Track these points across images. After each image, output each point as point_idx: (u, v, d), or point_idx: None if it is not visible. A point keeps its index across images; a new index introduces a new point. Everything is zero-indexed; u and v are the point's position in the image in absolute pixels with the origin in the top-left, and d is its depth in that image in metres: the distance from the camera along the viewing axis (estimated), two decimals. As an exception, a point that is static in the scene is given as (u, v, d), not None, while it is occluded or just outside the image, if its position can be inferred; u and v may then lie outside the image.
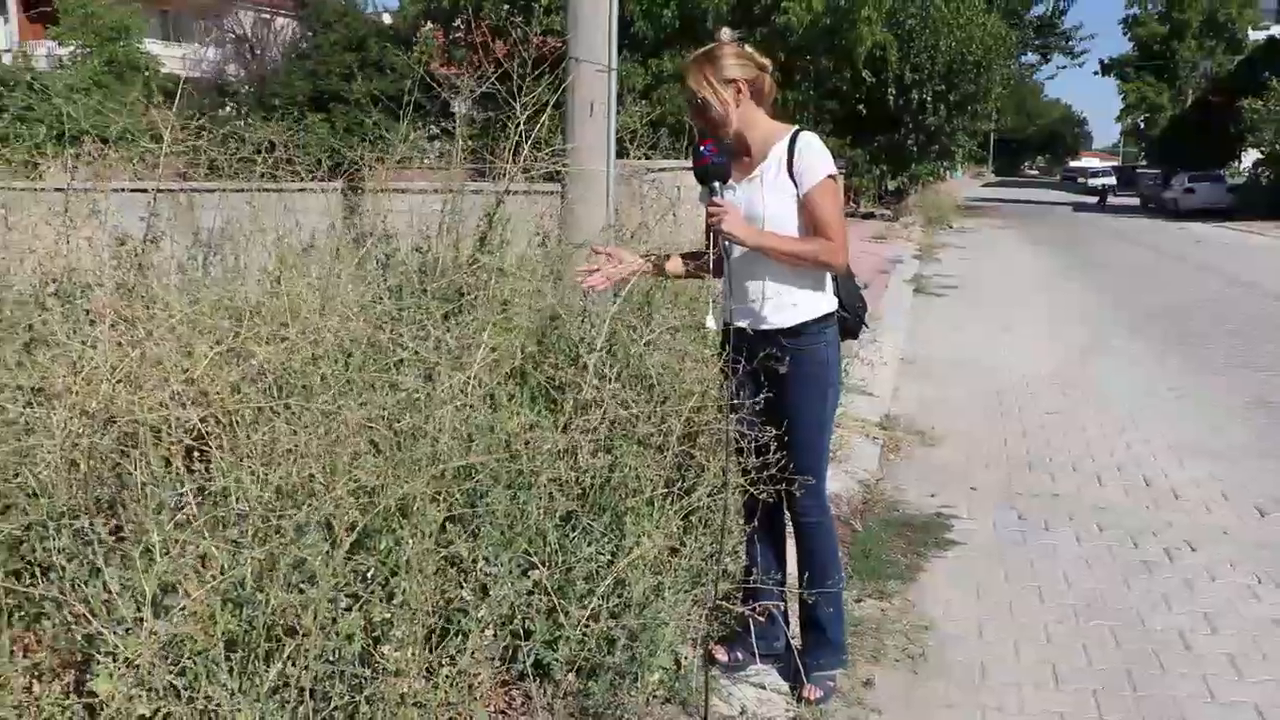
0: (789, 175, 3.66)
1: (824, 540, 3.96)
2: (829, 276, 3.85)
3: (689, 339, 4.65)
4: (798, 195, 3.66)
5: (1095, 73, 71.21)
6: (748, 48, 3.74)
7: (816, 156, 3.66)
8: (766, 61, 3.75)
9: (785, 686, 4.01)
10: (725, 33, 3.76)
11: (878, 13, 26.07)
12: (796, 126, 3.77)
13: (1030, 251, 25.85)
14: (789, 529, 4.08)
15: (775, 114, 3.84)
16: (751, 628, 3.95)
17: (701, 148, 3.59)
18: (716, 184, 3.60)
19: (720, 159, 3.59)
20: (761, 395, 3.71)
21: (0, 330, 3.32)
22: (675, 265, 4.06)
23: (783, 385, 3.75)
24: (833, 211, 3.67)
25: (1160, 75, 64.61)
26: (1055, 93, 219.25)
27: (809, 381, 3.79)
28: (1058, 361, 10.93)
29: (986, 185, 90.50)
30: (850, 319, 4.00)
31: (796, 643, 4.06)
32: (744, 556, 4.13)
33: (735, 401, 3.74)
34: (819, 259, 3.69)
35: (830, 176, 3.66)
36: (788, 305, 3.74)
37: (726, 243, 3.59)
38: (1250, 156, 48.28)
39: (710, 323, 3.74)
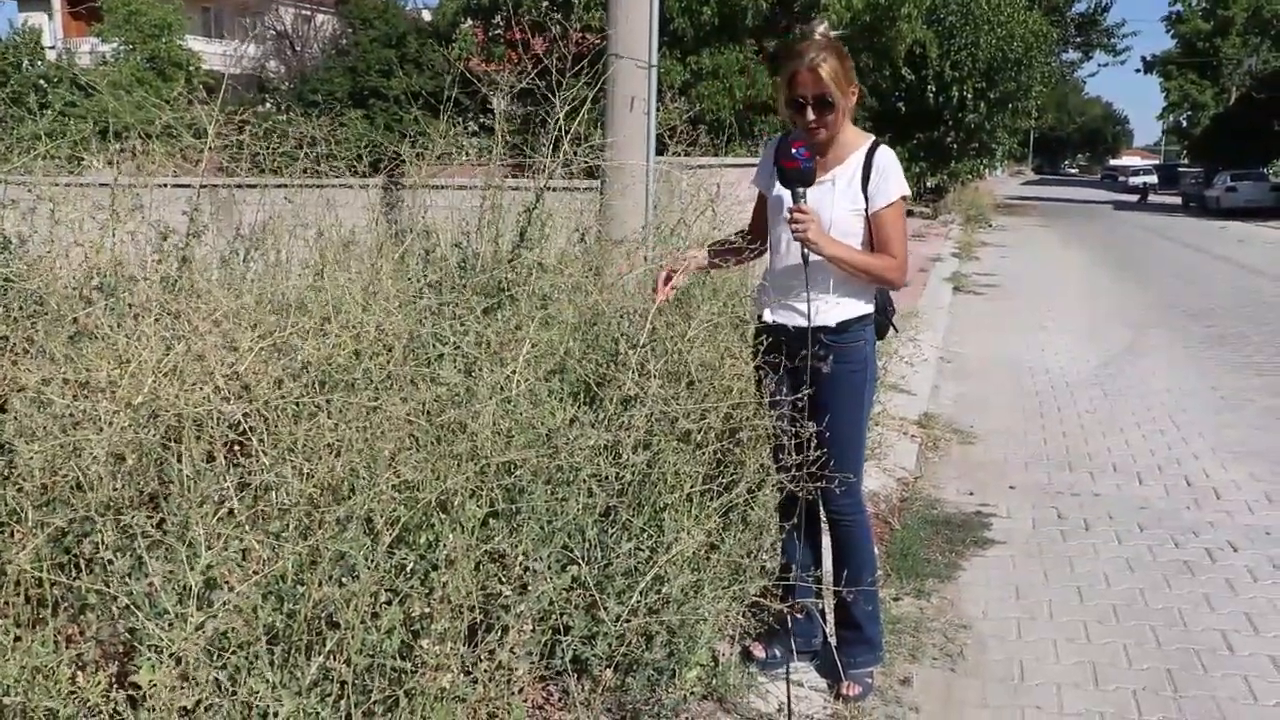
0: (861, 189, 3.65)
1: (860, 539, 3.94)
2: None
3: (729, 335, 4.64)
4: (866, 210, 3.65)
5: (1137, 70, 70.01)
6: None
7: (892, 176, 3.66)
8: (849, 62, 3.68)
9: (823, 683, 4.01)
10: (823, 25, 3.66)
11: (918, 10, 25.88)
12: (874, 138, 3.74)
13: (1070, 250, 25.66)
14: (825, 526, 4.07)
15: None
16: (789, 624, 3.95)
17: (793, 149, 3.53)
18: (800, 189, 3.57)
19: (809, 164, 3.55)
20: (803, 392, 3.69)
21: (46, 324, 3.34)
22: (716, 258, 4.07)
23: (821, 383, 3.74)
24: (899, 231, 3.68)
25: (1203, 73, 63.72)
26: (1096, 90, 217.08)
27: (848, 380, 3.78)
28: (1097, 360, 10.86)
29: (1026, 183, 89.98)
30: (880, 319, 3.99)
31: (833, 640, 4.05)
32: (782, 554, 4.12)
33: (775, 399, 3.74)
34: (884, 276, 3.71)
35: (902, 197, 3.66)
36: (834, 304, 3.74)
37: (806, 249, 3.56)
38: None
39: (767, 316, 3.75)
